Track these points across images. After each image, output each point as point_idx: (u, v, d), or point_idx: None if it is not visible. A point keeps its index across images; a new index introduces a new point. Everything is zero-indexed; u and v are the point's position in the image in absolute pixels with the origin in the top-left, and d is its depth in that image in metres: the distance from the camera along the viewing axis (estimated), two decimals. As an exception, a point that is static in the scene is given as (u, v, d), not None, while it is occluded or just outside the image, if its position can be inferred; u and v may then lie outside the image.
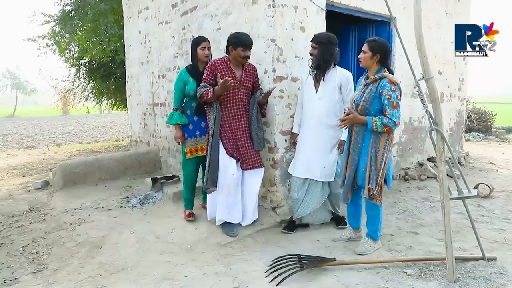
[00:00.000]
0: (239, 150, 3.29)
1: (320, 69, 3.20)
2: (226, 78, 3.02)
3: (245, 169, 3.30)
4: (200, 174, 3.64)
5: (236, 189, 3.24)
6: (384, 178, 2.80)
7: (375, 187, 2.75)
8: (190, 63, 3.57)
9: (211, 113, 3.21)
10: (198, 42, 3.46)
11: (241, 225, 3.36)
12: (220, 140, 3.23)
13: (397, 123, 2.68)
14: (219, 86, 3.05)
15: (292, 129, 3.61)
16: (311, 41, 3.25)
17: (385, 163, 2.75)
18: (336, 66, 3.27)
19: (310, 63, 3.29)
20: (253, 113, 3.33)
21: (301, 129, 3.43)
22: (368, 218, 2.98)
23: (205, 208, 3.57)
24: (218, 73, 3.16)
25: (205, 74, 3.24)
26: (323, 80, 3.22)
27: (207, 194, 3.39)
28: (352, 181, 2.92)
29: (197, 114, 3.50)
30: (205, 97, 3.13)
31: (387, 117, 2.68)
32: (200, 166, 3.64)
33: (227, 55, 3.30)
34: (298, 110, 3.50)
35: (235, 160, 3.24)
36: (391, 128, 2.70)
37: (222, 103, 3.24)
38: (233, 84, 3.10)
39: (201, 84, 3.23)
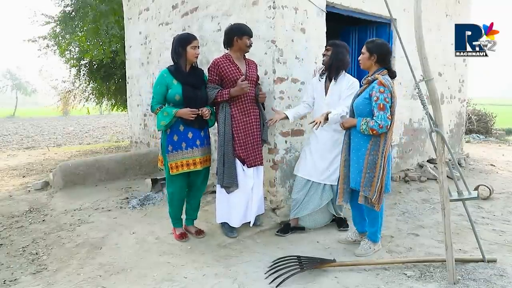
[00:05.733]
0: (248, 147, 3.22)
1: (332, 68, 3.22)
2: (246, 82, 3.08)
3: (251, 166, 3.22)
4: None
5: (249, 190, 3.23)
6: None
7: (374, 195, 2.70)
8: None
9: (220, 111, 3.19)
10: (190, 40, 3.03)
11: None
12: (232, 138, 3.18)
13: (382, 126, 2.62)
14: (237, 88, 3.06)
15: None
16: (326, 46, 3.33)
17: (383, 170, 2.70)
18: (345, 73, 3.29)
19: (319, 69, 3.33)
20: (260, 106, 3.35)
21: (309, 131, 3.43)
22: (367, 220, 2.97)
23: (191, 232, 3.34)
24: (237, 73, 3.16)
25: (209, 75, 3.20)
26: (335, 80, 3.23)
27: (216, 195, 3.32)
28: (348, 181, 2.90)
29: (183, 123, 3.04)
30: (219, 99, 3.12)
31: (374, 119, 2.66)
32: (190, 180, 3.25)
33: (227, 52, 3.28)
34: (301, 104, 3.46)
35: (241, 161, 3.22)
36: (377, 132, 2.65)
37: (232, 100, 3.19)
38: (250, 88, 3.14)
39: (209, 85, 3.19)
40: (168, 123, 2.99)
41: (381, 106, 2.64)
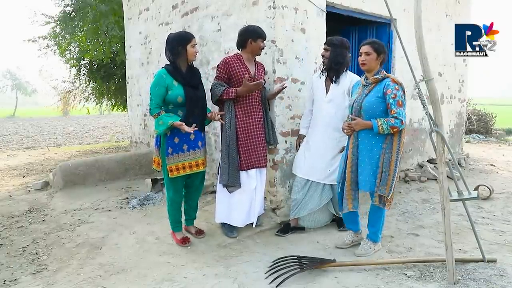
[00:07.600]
0: (249, 148, 3.22)
1: (331, 71, 3.20)
2: (261, 80, 3.10)
3: (252, 167, 3.22)
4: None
5: (252, 190, 3.23)
6: None
7: (389, 193, 2.70)
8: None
9: (227, 111, 3.18)
10: (189, 38, 2.98)
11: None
12: (236, 139, 3.18)
13: (404, 122, 2.65)
14: (244, 88, 3.05)
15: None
16: (324, 44, 3.28)
17: (396, 167, 2.72)
18: (347, 70, 3.27)
19: (322, 66, 3.31)
20: (267, 109, 3.36)
21: (309, 130, 3.41)
22: (370, 220, 2.97)
23: (191, 232, 3.34)
24: (246, 74, 3.14)
25: (218, 72, 3.20)
26: (335, 82, 3.22)
27: (217, 195, 3.32)
28: (355, 186, 2.86)
29: (185, 124, 2.90)
30: (225, 97, 3.12)
31: (394, 116, 2.64)
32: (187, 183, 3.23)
33: (238, 52, 3.28)
34: (306, 113, 3.48)
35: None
36: (398, 128, 2.65)
37: (236, 100, 3.19)
38: (263, 83, 3.16)
39: (216, 82, 3.19)
40: (162, 131, 2.90)
41: (400, 102, 2.66)
